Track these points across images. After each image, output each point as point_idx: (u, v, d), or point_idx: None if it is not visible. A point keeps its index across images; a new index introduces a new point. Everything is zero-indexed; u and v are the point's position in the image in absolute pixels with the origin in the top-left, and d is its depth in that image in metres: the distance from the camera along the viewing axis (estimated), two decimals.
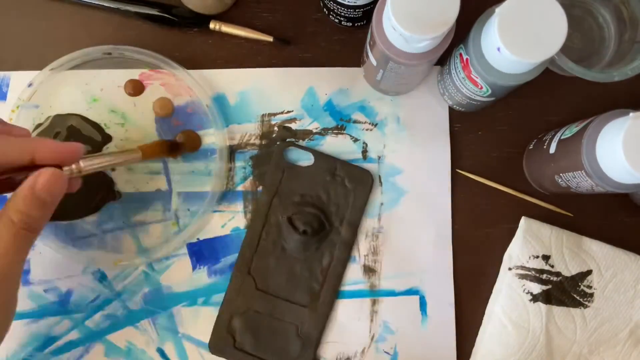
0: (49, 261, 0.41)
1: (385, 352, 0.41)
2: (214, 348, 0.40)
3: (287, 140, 0.42)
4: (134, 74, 0.43)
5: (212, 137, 0.42)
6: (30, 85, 0.42)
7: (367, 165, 0.43)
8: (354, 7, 0.40)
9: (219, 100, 0.43)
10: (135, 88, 0.43)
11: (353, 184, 0.42)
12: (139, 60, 0.42)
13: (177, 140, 0.41)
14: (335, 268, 0.41)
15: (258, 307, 0.41)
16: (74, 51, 0.42)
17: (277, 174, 0.42)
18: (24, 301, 0.40)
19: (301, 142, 0.43)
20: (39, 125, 0.42)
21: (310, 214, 0.41)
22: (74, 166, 0.32)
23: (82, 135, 0.42)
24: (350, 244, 0.41)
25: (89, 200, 0.41)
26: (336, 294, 0.41)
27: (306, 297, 0.41)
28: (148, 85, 0.43)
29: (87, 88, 0.43)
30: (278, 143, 0.42)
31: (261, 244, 0.41)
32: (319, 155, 0.42)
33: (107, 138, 0.42)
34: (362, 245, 0.42)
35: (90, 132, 0.42)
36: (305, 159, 0.42)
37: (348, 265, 0.41)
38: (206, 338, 0.41)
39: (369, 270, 0.41)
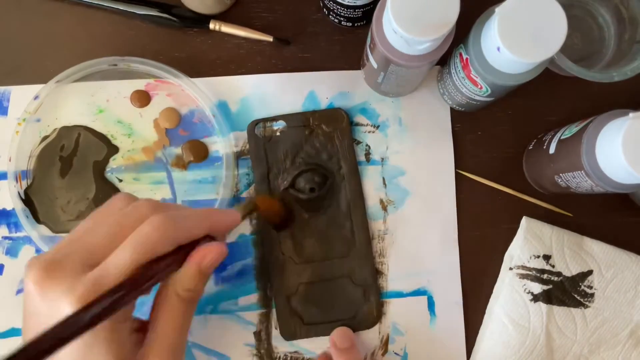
0: None
1: (395, 353, 0.41)
2: (287, 335, 0.40)
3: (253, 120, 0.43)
4: (140, 84, 0.43)
5: (217, 145, 0.42)
6: (36, 98, 0.41)
7: (370, 167, 0.43)
8: (354, 7, 0.40)
9: (221, 108, 0.43)
10: (142, 99, 0.42)
11: (331, 125, 0.42)
12: (145, 71, 0.42)
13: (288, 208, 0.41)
14: (355, 205, 0.41)
15: (306, 278, 0.41)
16: (73, 53, 0.42)
17: (260, 152, 0.42)
18: None
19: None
20: (46, 137, 0.42)
21: (308, 171, 0.41)
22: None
23: (89, 147, 0.42)
24: (355, 177, 0.42)
25: None
26: (367, 229, 0.41)
27: (343, 247, 0.41)
28: (154, 96, 0.43)
29: (92, 99, 0.43)
30: (248, 124, 0.42)
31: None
32: (288, 116, 0.42)
33: (114, 149, 0.42)
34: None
35: (97, 144, 0.42)
36: (277, 125, 0.42)
37: (365, 198, 0.42)
38: (215, 346, 0.40)
39: (376, 272, 0.41)
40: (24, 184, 0.41)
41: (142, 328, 0.31)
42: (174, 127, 0.42)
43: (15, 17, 0.44)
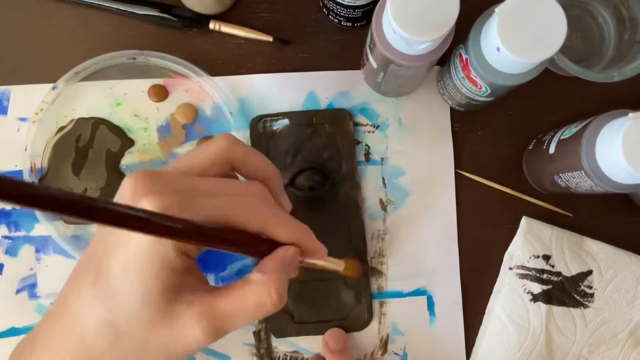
0: (55, 274, 0.41)
1: (394, 353, 0.41)
2: (277, 332, 0.40)
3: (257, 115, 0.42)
4: (158, 79, 0.43)
5: None
6: (54, 88, 0.41)
7: (370, 167, 0.43)
8: (354, 7, 0.40)
9: (221, 108, 0.43)
10: (159, 93, 0.43)
11: (334, 125, 0.42)
12: (164, 65, 0.42)
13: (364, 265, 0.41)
14: (353, 207, 0.41)
15: (301, 276, 0.40)
16: (73, 53, 0.42)
17: (262, 147, 0.42)
18: (31, 315, 0.40)
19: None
20: (62, 128, 0.42)
21: (308, 170, 0.41)
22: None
23: (105, 139, 0.42)
24: (355, 177, 0.42)
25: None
26: (363, 232, 0.41)
27: (339, 247, 0.41)
28: (172, 91, 0.43)
29: (110, 92, 0.43)
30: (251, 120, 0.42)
31: None
32: (292, 114, 0.42)
33: (130, 142, 0.42)
34: (368, 248, 0.42)
35: (112, 137, 0.42)
36: (279, 124, 0.42)
37: (365, 198, 0.42)
38: (215, 346, 0.40)
39: (375, 273, 0.41)
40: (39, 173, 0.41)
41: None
42: (191, 123, 0.43)
43: (15, 17, 0.44)
